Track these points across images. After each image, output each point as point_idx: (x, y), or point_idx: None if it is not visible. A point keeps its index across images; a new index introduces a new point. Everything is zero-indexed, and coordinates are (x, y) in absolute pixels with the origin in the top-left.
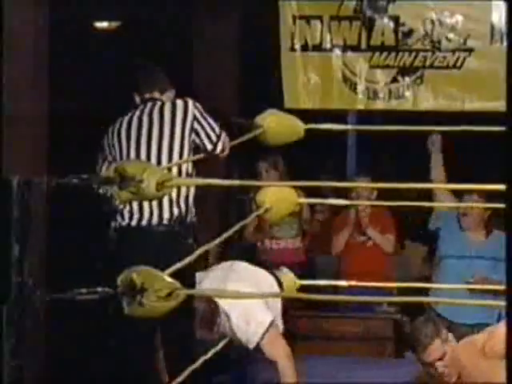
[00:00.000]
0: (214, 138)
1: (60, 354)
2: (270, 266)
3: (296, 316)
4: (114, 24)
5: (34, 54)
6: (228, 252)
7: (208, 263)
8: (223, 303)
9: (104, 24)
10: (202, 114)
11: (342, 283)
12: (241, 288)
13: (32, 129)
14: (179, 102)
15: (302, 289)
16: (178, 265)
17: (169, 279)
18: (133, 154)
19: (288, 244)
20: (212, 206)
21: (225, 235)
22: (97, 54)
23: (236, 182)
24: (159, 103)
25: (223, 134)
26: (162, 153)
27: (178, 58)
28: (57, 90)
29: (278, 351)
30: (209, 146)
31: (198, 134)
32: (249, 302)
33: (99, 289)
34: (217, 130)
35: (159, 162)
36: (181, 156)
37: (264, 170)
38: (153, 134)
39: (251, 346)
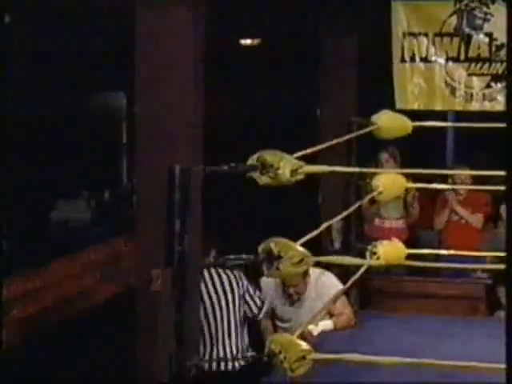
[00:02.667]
0: (259, 303)
1: None
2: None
3: (404, 280)
4: (256, 41)
5: (194, 72)
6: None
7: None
8: None
9: (248, 41)
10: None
11: (443, 252)
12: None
13: (191, 128)
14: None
15: (410, 258)
16: (309, 235)
17: (300, 248)
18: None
19: (392, 224)
20: (335, 190)
21: (345, 213)
22: (241, 68)
23: (356, 169)
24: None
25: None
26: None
27: (306, 70)
28: (210, 95)
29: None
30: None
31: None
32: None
33: (244, 255)
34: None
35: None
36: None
37: (384, 160)
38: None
39: (326, 297)
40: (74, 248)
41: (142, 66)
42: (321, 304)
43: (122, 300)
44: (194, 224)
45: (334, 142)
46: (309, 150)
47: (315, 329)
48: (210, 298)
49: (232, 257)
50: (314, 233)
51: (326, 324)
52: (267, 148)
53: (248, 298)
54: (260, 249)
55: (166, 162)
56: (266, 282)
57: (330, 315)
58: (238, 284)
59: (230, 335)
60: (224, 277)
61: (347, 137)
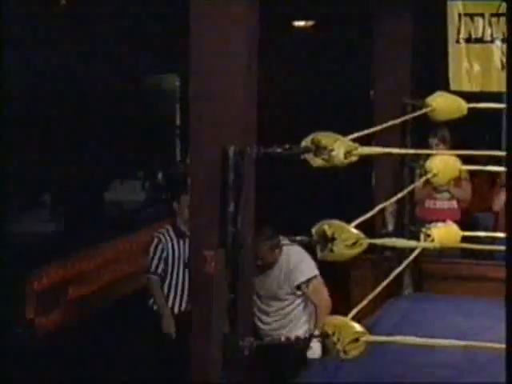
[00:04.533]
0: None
1: None
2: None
3: (457, 263)
4: (309, 23)
5: (248, 54)
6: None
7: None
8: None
9: (301, 23)
10: None
11: (499, 235)
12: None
13: (245, 109)
14: None
15: (464, 240)
16: (363, 217)
17: (354, 230)
18: None
19: (444, 205)
20: (388, 172)
21: (399, 195)
22: (294, 50)
23: (410, 151)
24: None
25: None
26: None
27: (359, 51)
28: (263, 77)
29: (321, 297)
30: None
31: None
32: (303, 252)
33: (298, 237)
34: None
35: None
36: None
37: (434, 144)
38: None
39: (296, 282)
40: (127, 229)
41: (195, 48)
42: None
43: None
44: (247, 205)
45: (388, 124)
46: (363, 132)
47: None
48: None
49: (286, 238)
50: (368, 215)
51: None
52: (321, 130)
53: None
54: (314, 231)
55: (219, 143)
56: None
57: (315, 305)
58: None
59: None
60: None
61: (401, 119)
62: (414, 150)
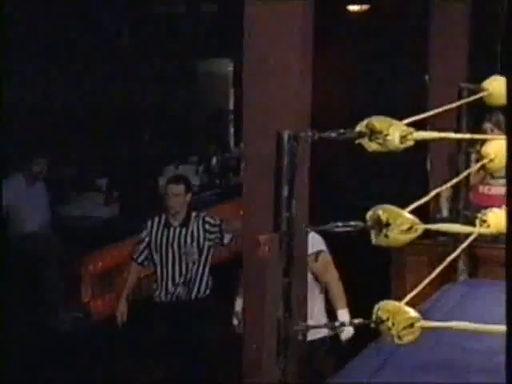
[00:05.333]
0: None
1: None
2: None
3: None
4: (364, 7)
5: (302, 37)
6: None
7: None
8: None
9: (355, 7)
10: None
11: None
12: None
13: (299, 93)
14: None
15: None
16: (418, 202)
17: (409, 216)
18: None
19: (498, 190)
20: (443, 157)
21: (454, 180)
22: (349, 34)
23: (466, 136)
24: None
25: None
26: None
27: (414, 34)
28: (318, 61)
29: (330, 274)
30: None
31: None
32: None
33: (352, 222)
34: None
35: None
36: None
37: (489, 128)
38: None
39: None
40: None
41: (249, 32)
42: None
43: (229, 265)
44: (301, 190)
45: (444, 108)
46: (418, 117)
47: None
48: None
49: (340, 224)
50: (423, 200)
51: (344, 317)
52: (375, 114)
53: None
54: (368, 216)
55: (273, 127)
56: None
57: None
58: None
59: None
60: None
61: (457, 103)
62: (470, 135)
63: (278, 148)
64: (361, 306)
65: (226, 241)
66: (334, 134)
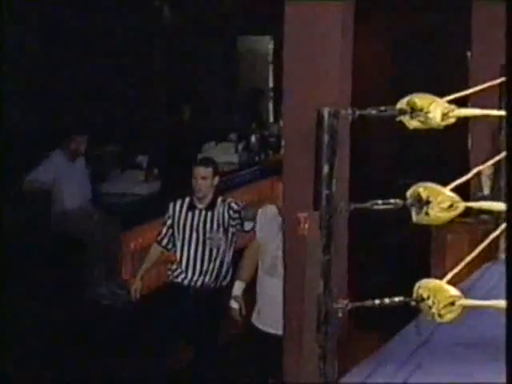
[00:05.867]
0: None
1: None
2: None
3: None
4: None
5: (343, 14)
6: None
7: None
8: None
9: None
10: None
11: None
12: None
13: (339, 71)
14: None
15: None
16: (459, 180)
17: (450, 193)
18: None
19: None
20: (485, 134)
21: (496, 158)
22: (389, 8)
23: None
24: None
25: None
26: None
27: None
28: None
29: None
30: None
31: None
32: None
33: (392, 200)
34: None
35: None
36: None
37: None
38: None
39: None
40: (221, 191)
41: (290, 10)
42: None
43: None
44: (341, 167)
45: (486, 85)
46: (459, 94)
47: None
48: None
49: (380, 201)
50: (464, 178)
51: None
52: (416, 92)
53: None
54: (408, 193)
55: (313, 105)
56: None
57: None
58: None
59: None
60: None
61: (499, 80)
62: None
63: (318, 125)
64: (402, 284)
65: (247, 228)
66: (374, 112)
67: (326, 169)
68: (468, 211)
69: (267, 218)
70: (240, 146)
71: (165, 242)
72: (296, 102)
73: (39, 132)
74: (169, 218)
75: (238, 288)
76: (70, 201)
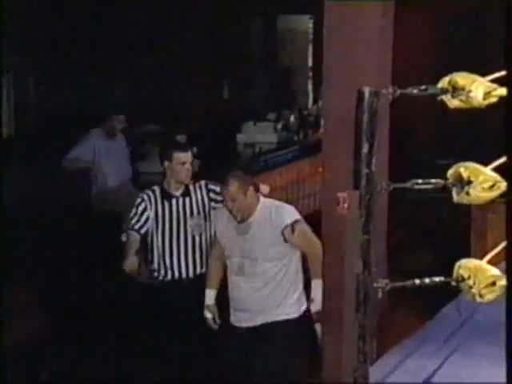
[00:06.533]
0: None
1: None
2: None
3: None
4: None
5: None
6: None
7: None
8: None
9: None
10: None
11: None
12: None
13: (380, 50)
14: None
15: None
16: (500, 160)
17: (491, 173)
18: None
19: None
20: None
21: None
22: None
23: None
24: None
25: None
26: None
27: None
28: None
29: (309, 244)
30: None
31: None
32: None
33: (433, 180)
34: None
35: None
36: None
37: None
38: None
39: (279, 228)
40: (260, 170)
41: None
42: (272, 234)
43: (308, 222)
44: (381, 147)
45: None
46: (501, 73)
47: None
48: None
49: (420, 181)
50: (505, 157)
51: (317, 287)
52: (459, 71)
53: None
54: (449, 173)
55: (353, 84)
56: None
57: (303, 254)
58: None
59: None
60: None
61: None
62: None
63: (359, 104)
64: (442, 264)
65: None
66: (415, 91)
67: (365, 148)
68: (510, 191)
69: (223, 223)
70: (279, 126)
71: (137, 226)
72: (336, 80)
73: (78, 111)
74: (145, 209)
75: (209, 297)
76: (110, 179)
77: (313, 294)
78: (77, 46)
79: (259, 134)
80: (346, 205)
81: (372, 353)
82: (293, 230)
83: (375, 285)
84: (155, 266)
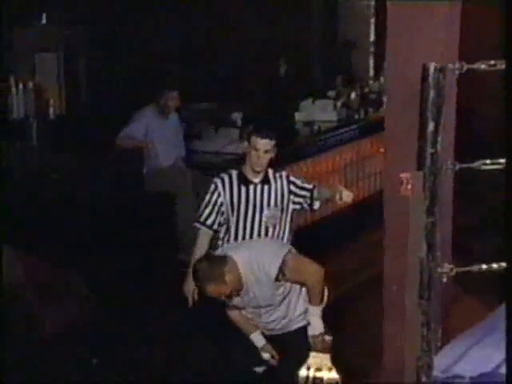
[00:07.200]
0: None
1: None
2: None
3: None
4: None
5: None
6: None
7: None
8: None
9: None
10: None
11: None
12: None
13: (447, 27)
14: None
15: None
16: None
17: None
18: None
19: None
20: None
21: None
22: None
23: None
24: None
25: None
26: None
27: None
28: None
29: (303, 274)
30: None
31: None
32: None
33: (502, 160)
34: None
35: None
36: None
37: None
38: None
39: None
40: (319, 150)
41: None
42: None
43: (368, 204)
44: (447, 125)
45: None
46: None
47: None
48: None
49: (488, 161)
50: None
51: (314, 313)
52: None
53: None
54: None
55: (418, 59)
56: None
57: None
58: None
59: None
60: None
61: None
62: None
63: (424, 80)
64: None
65: (315, 207)
66: (483, 66)
67: (430, 126)
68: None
69: None
70: (339, 104)
71: (209, 222)
72: (400, 56)
73: (131, 87)
74: (219, 195)
75: (258, 340)
76: (163, 158)
77: (310, 319)
78: (128, 20)
79: (318, 112)
80: (409, 186)
81: (436, 341)
82: (283, 272)
83: (440, 270)
84: (219, 242)
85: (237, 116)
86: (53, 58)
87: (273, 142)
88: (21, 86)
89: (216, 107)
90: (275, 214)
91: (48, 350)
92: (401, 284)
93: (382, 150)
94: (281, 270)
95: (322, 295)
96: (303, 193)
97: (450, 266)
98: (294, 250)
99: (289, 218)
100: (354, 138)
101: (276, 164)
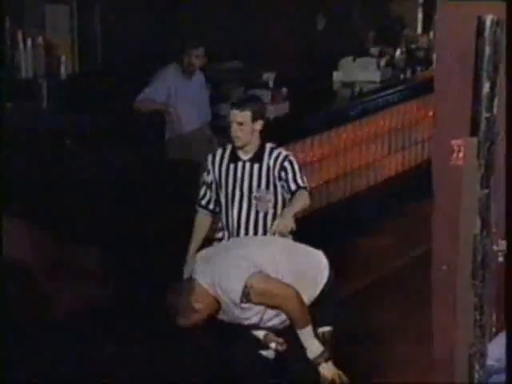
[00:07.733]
0: None
1: None
2: None
3: None
4: None
5: None
6: None
7: None
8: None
9: None
10: None
11: None
12: None
13: None
14: None
15: None
16: None
17: None
18: None
19: None
20: None
21: None
22: None
23: None
24: None
25: None
26: None
27: None
28: None
29: (276, 295)
30: None
31: None
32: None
33: None
34: None
35: None
36: None
37: None
38: None
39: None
40: (359, 114)
41: None
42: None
43: (415, 174)
44: (505, 86)
45: None
46: None
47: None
48: None
49: None
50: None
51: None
52: None
53: None
54: None
55: (472, 12)
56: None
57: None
58: None
59: None
60: None
61: None
62: None
63: (479, 36)
64: None
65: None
66: None
67: (486, 87)
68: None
69: None
70: (382, 62)
71: (204, 202)
72: (452, 7)
73: (151, 45)
74: (208, 173)
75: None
76: (186, 123)
77: (303, 344)
78: None
79: (359, 72)
80: (461, 154)
81: (491, 327)
82: (248, 297)
83: (495, 247)
84: (220, 234)
85: (269, 76)
86: (65, 10)
87: (246, 113)
88: (29, 41)
89: (245, 67)
90: (265, 198)
91: (59, 335)
92: (452, 264)
93: (430, 113)
94: (245, 295)
95: (306, 315)
96: (286, 184)
97: (505, 243)
98: (268, 269)
99: (281, 203)
100: (400, 100)
101: (311, 130)
